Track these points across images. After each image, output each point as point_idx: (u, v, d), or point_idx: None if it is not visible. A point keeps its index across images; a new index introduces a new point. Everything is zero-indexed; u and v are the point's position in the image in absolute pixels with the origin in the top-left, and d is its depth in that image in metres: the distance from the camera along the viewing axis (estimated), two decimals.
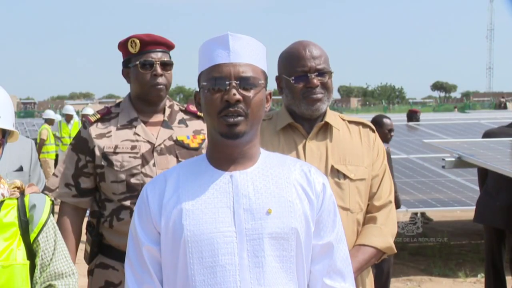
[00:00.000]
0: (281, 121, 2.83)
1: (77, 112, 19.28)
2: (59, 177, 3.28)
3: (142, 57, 3.20)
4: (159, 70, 3.19)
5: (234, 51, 2.00)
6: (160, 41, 3.24)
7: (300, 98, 2.75)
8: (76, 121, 15.72)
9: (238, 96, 1.97)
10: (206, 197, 2.00)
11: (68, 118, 15.49)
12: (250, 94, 1.99)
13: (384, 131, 6.59)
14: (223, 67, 1.99)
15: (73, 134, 15.10)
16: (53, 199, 3.12)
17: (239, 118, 1.98)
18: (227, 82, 1.98)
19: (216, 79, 1.99)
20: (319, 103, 2.75)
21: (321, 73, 2.74)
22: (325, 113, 2.82)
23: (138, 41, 3.21)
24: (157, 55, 3.21)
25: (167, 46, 3.27)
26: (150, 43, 3.21)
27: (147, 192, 2.07)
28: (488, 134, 6.68)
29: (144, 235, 2.04)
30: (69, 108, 16.20)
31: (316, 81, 2.73)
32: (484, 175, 6.20)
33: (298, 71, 2.73)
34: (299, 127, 2.81)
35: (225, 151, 2.03)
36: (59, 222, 3.19)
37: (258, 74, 2.02)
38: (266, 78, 2.07)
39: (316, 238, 2.05)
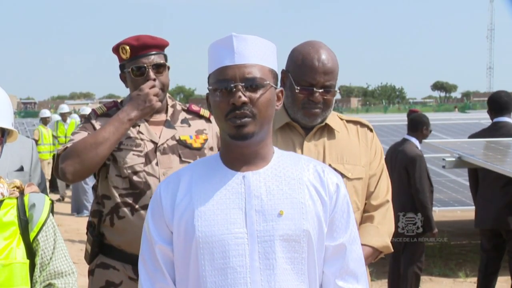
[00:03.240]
0: (279, 121, 2.82)
1: (75, 111, 19.20)
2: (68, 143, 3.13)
3: (134, 63, 3.16)
4: (151, 74, 3.15)
5: (239, 53, 1.99)
6: (150, 44, 3.17)
7: (299, 107, 2.75)
8: (72, 121, 15.61)
9: (243, 98, 1.97)
10: (218, 198, 2.00)
11: (64, 117, 15.35)
12: (257, 95, 1.99)
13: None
14: (228, 69, 1.99)
15: (69, 134, 14.99)
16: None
17: (246, 119, 1.98)
18: (232, 85, 1.98)
19: (221, 82, 1.99)
20: (315, 117, 2.76)
21: (327, 90, 2.74)
22: None
23: (127, 47, 3.16)
24: (149, 59, 3.16)
25: (159, 47, 3.21)
26: (140, 48, 3.16)
27: (160, 191, 2.07)
28: (471, 137, 6.71)
29: (157, 234, 2.04)
30: (64, 107, 15.95)
31: (319, 97, 2.72)
32: (475, 177, 6.21)
33: (305, 81, 2.72)
34: (297, 126, 2.81)
35: (237, 152, 2.03)
36: (79, 149, 2.99)
37: (265, 74, 2.01)
38: (275, 77, 2.06)
39: (329, 239, 2.04)
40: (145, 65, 3.15)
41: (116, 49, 3.22)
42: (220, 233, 1.97)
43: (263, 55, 2.02)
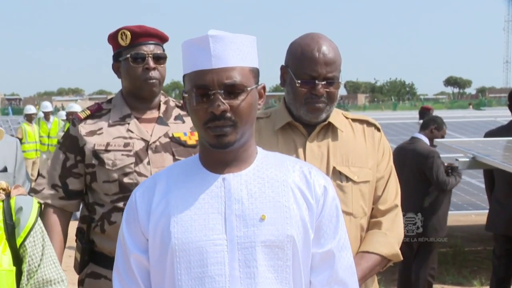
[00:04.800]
0: (280, 120, 2.82)
1: (63, 108, 19.09)
2: (46, 178, 3.28)
3: (133, 50, 3.19)
4: (151, 63, 3.18)
5: (216, 56, 1.96)
6: (152, 33, 3.23)
7: (302, 102, 2.74)
8: (55, 119, 15.50)
9: (223, 107, 1.95)
10: (197, 202, 1.99)
11: (46, 115, 15.18)
12: (237, 101, 1.97)
13: None
14: (206, 74, 1.96)
15: (52, 133, 14.91)
16: (41, 202, 3.14)
17: (227, 128, 1.96)
18: (210, 92, 1.96)
19: (198, 87, 1.97)
20: (319, 112, 2.74)
21: (330, 82, 2.72)
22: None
23: (128, 33, 3.20)
24: (149, 48, 3.20)
25: (160, 38, 3.26)
26: (141, 35, 3.20)
27: (135, 197, 2.07)
28: (488, 135, 6.73)
29: (132, 243, 2.04)
30: (47, 105, 15.62)
31: (322, 90, 2.71)
32: (491, 178, 6.24)
33: (306, 74, 2.71)
34: (299, 126, 2.79)
35: (217, 156, 2.02)
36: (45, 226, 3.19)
37: (245, 76, 1.99)
38: (257, 75, 2.04)
39: (316, 246, 2.03)
40: (145, 53, 3.18)
41: (114, 36, 3.24)
42: (197, 240, 1.96)
43: (242, 55, 1.99)
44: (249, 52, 2.01)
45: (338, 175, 2.74)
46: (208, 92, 1.96)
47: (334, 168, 2.75)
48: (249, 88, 1.98)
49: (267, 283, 1.95)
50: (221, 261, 1.95)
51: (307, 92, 2.73)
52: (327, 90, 2.72)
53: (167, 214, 1.99)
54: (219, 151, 2.00)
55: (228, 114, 1.96)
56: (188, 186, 2.02)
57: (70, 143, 3.24)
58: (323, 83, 2.71)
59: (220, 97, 1.95)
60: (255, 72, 2.03)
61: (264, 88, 2.08)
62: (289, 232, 1.97)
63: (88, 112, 3.27)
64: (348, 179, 2.75)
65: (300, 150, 2.77)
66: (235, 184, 2.00)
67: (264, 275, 1.95)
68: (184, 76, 2.05)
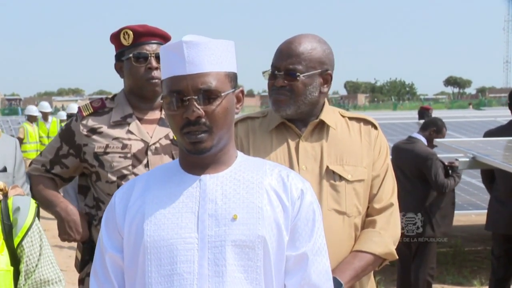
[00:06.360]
0: (274, 120, 2.80)
1: (63, 108, 19.06)
2: (42, 157, 3.40)
3: (135, 50, 3.21)
4: (154, 63, 3.19)
5: (190, 61, 1.97)
6: (155, 32, 3.24)
7: (269, 95, 2.76)
8: (54, 120, 15.53)
9: (197, 112, 1.97)
10: (172, 201, 2.02)
11: (44, 116, 15.21)
12: (213, 106, 1.98)
13: None
14: (180, 80, 1.98)
15: (52, 134, 14.99)
16: (28, 172, 3.23)
17: (203, 135, 1.98)
18: (185, 98, 1.97)
19: (173, 93, 1.99)
20: (281, 105, 2.72)
21: (290, 74, 2.69)
22: (321, 110, 2.79)
23: (131, 32, 3.21)
24: (152, 47, 3.21)
25: (163, 38, 3.27)
26: (144, 34, 3.21)
27: (115, 197, 2.10)
28: (487, 135, 6.73)
29: (108, 242, 2.06)
30: (45, 105, 15.65)
31: (280, 81, 2.69)
32: (490, 177, 6.23)
33: (272, 66, 2.73)
34: (292, 126, 2.78)
35: (194, 160, 2.04)
36: (34, 191, 3.32)
37: (221, 81, 2.00)
38: (233, 79, 2.05)
39: (290, 249, 2.03)
40: (148, 52, 3.18)
41: (117, 35, 3.25)
42: (169, 238, 1.98)
43: (217, 59, 2.00)
44: (225, 57, 2.02)
45: (331, 174, 2.72)
46: (183, 98, 1.97)
47: (327, 167, 2.73)
48: (223, 94, 1.99)
49: (235, 282, 1.96)
50: (191, 259, 1.96)
51: (272, 85, 2.73)
52: (290, 83, 2.70)
53: (141, 212, 2.02)
54: (196, 157, 2.02)
55: (203, 120, 1.98)
56: (166, 186, 2.04)
57: (68, 135, 3.31)
58: (281, 73, 2.70)
59: (195, 102, 1.97)
60: (232, 77, 2.04)
61: (242, 92, 2.09)
62: (260, 232, 1.97)
63: (91, 110, 3.29)
64: (341, 178, 2.72)
65: (293, 150, 2.75)
66: (211, 185, 2.02)
67: (232, 275, 1.96)
68: (162, 82, 2.07)
